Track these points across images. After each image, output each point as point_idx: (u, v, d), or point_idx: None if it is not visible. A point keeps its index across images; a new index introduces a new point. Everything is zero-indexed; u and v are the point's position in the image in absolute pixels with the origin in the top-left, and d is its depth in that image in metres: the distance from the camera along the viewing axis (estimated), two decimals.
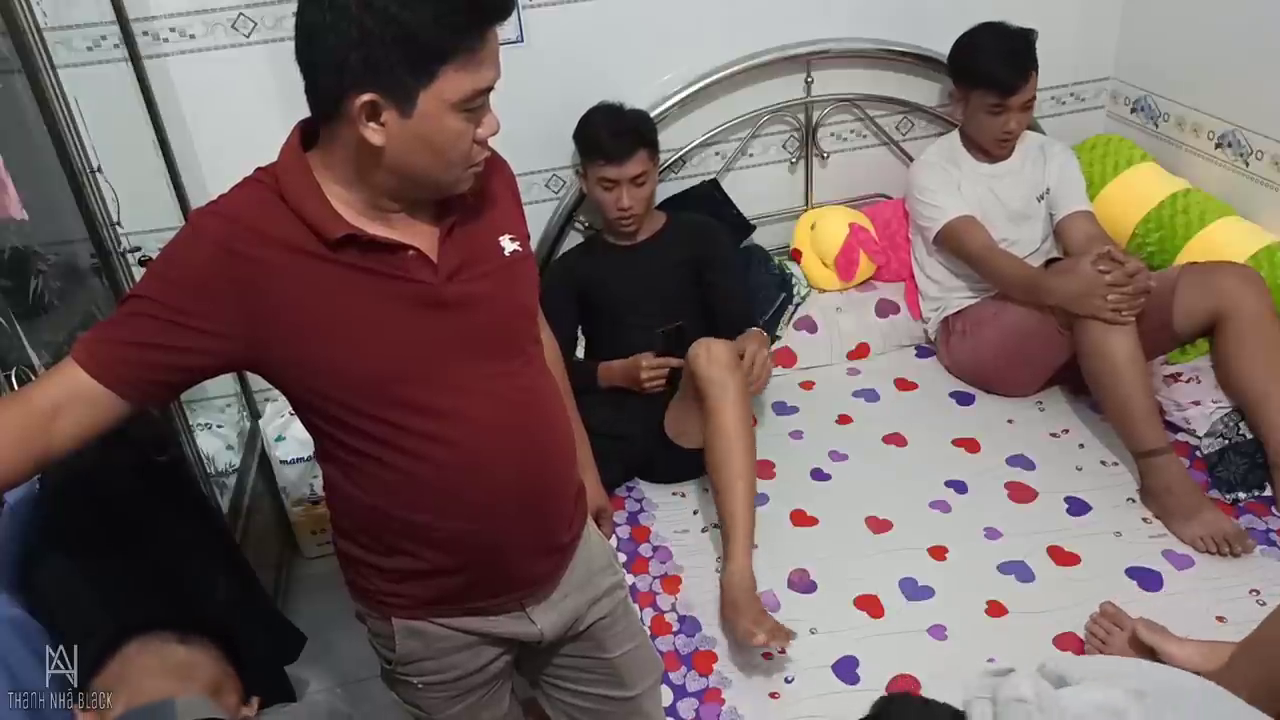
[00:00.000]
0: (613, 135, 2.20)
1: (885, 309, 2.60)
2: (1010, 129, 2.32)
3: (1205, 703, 1.06)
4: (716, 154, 2.58)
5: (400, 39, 0.98)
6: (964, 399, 2.41)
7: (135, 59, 2.09)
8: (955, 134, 2.50)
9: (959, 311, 2.47)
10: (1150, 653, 1.60)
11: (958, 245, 2.39)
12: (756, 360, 2.03)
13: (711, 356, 1.94)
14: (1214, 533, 1.89)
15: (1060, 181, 2.43)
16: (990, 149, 2.40)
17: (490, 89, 1.07)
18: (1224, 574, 1.83)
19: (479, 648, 1.32)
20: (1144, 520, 1.98)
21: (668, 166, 2.50)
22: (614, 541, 2.02)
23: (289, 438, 2.36)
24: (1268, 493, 1.99)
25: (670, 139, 2.45)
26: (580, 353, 2.42)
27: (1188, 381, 2.21)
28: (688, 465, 2.12)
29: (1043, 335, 2.21)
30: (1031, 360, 2.30)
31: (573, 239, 2.54)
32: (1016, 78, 2.27)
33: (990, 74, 2.28)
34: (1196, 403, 2.17)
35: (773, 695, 1.69)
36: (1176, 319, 2.10)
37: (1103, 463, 2.15)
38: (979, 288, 2.45)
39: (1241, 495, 2.00)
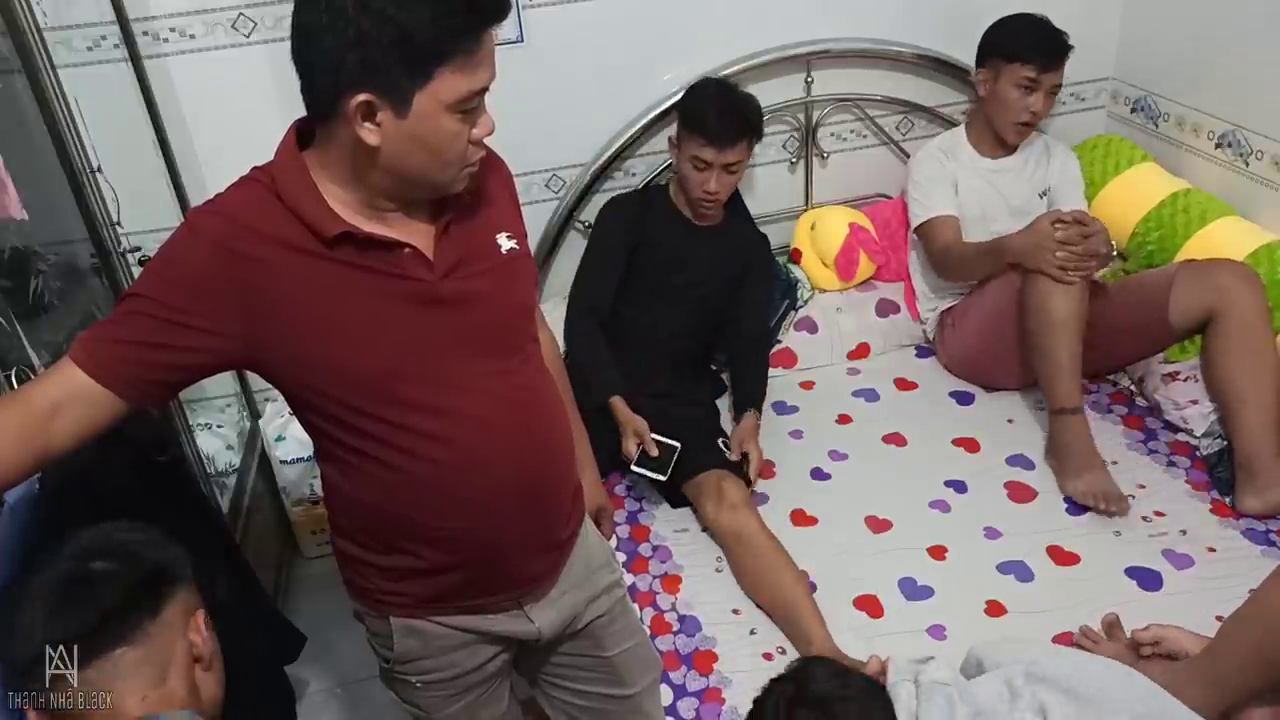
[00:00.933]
0: (720, 116, 2.11)
1: (885, 309, 2.60)
2: (1035, 110, 2.33)
3: (1102, 681, 1.15)
4: None
5: (397, 40, 0.98)
6: (964, 399, 2.41)
7: (135, 59, 2.09)
8: (960, 129, 2.51)
9: (950, 308, 2.49)
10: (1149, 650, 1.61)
11: (928, 242, 2.43)
12: (753, 462, 2.11)
13: (726, 501, 1.95)
14: (1095, 490, 1.99)
15: (1061, 181, 2.46)
16: (1007, 134, 2.40)
17: (486, 90, 1.07)
18: (1224, 574, 1.83)
19: (477, 646, 1.32)
20: (1144, 519, 1.98)
21: (666, 167, 2.49)
22: (613, 541, 2.02)
23: (289, 438, 2.36)
24: None
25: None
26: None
27: (1185, 380, 2.21)
28: (690, 463, 2.09)
29: (1016, 309, 2.21)
30: (1016, 339, 2.29)
31: (573, 239, 2.54)
32: (1055, 55, 2.29)
33: (1031, 46, 2.29)
34: (1194, 401, 2.17)
35: None
36: (1173, 315, 2.11)
37: (1101, 463, 2.14)
38: (968, 285, 2.46)
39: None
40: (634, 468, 2.03)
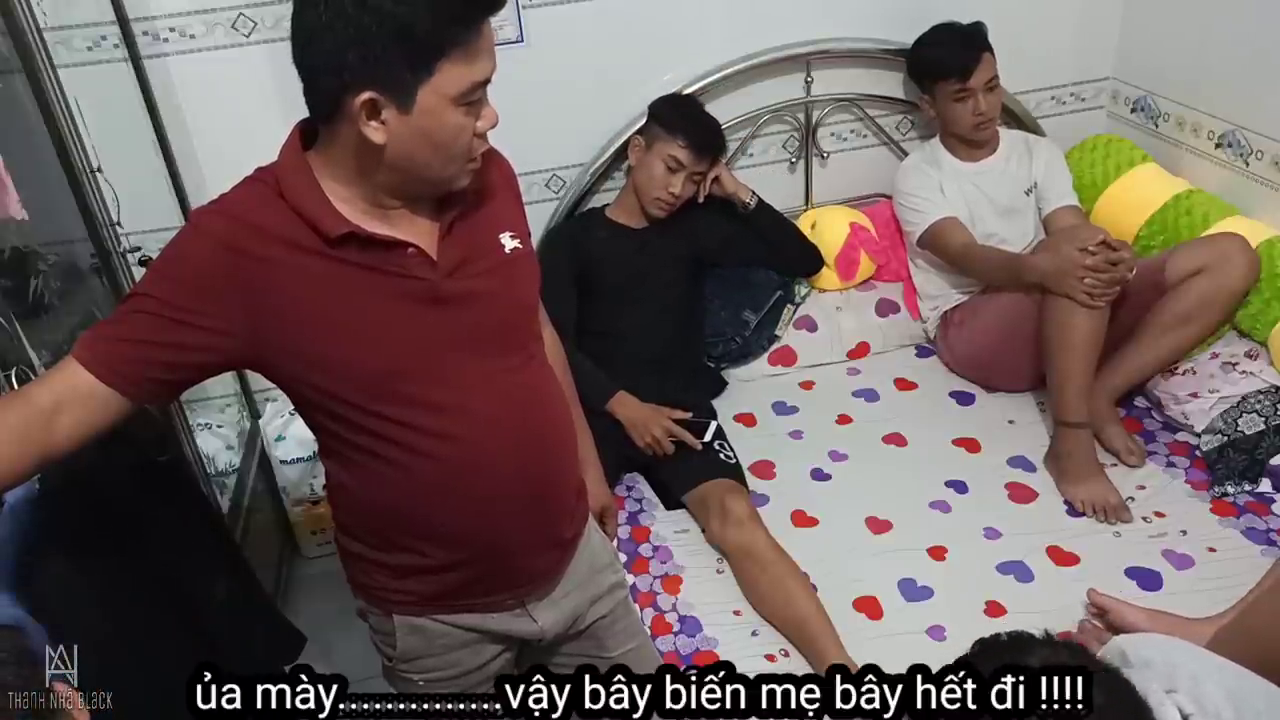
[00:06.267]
0: (708, 129, 2.24)
1: (885, 308, 2.60)
2: (982, 110, 2.36)
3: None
4: None
5: (397, 35, 0.99)
6: (964, 399, 2.41)
7: (135, 59, 2.09)
8: (935, 139, 2.53)
9: (956, 306, 2.49)
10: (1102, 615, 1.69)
11: (940, 247, 2.42)
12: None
13: (731, 518, 1.93)
14: (1098, 500, 2.00)
15: (1047, 175, 2.47)
16: (972, 137, 2.42)
17: (488, 81, 1.07)
18: (1224, 574, 1.83)
19: (480, 645, 1.33)
20: (1144, 520, 1.98)
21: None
22: (614, 541, 2.02)
23: (289, 438, 2.37)
24: (1261, 488, 2.00)
25: None
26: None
27: (1183, 374, 2.22)
28: (689, 474, 2.09)
29: (1035, 317, 2.20)
30: (1028, 343, 2.29)
31: None
32: (969, 59, 2.33)
33: (944, 61, 2.36)
34: (1194, 395, 2.18)
35: None
36: (1169, 270, 2.15)
37: (1101, 463, 2.14)
38: (972, 285, 2.46)
39: (1230, 489, 2.00)
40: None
